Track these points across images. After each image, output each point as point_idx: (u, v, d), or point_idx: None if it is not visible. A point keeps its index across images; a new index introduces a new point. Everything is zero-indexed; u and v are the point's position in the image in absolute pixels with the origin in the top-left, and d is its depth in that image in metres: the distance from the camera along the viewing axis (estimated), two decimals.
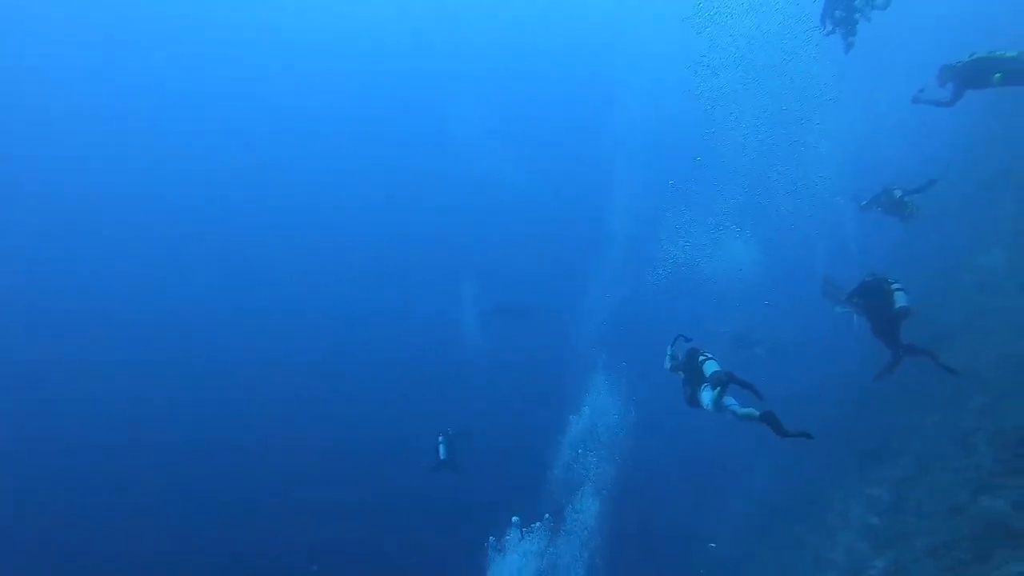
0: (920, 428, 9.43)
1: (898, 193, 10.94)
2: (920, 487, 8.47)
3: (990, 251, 10.23)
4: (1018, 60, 7.69)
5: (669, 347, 7.62)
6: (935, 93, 8.79)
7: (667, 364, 7.56)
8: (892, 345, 7.03)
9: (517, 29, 38.26)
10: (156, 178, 32.88)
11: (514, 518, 10.59)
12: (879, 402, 11.46)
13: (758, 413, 6.39)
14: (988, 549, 6.38)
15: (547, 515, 10.55)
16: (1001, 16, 15.46)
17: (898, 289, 6.95)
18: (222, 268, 30.61)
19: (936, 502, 7.82)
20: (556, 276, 25.25)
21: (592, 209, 26.87)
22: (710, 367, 6.87)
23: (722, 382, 6.56)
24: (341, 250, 32.14)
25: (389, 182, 35.54)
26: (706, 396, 6.75)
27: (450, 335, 24.42)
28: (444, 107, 34.56)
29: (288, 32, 37.28)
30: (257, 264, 31.11)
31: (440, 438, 11.99)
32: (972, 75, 8.09)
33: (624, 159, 26.46)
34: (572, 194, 31.85)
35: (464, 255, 28.25)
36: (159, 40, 33.87)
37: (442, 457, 11.80)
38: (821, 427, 13.21)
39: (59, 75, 32.70)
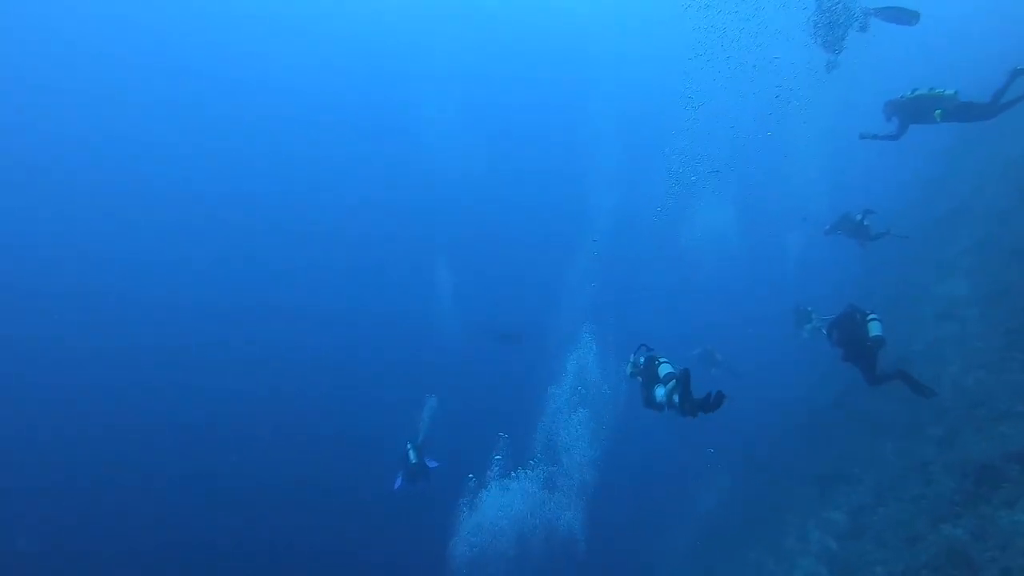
0: (879, 455, 9.44)
1: (858, 217, 11.19)
2: (879, 515, 8.43)
3: (951, 280, 10.39)
4: (955, 98, 8.03)
5: (632, 355, 7.94)
6: (882, 127, 9.07)
7: (628, 370, 7.89)
8: (866, 372, 7.01)
9: (492, 27, 38.70)
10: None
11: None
12: (837, 428, 11.51)
13: (678, 372, 6.95)
14: None
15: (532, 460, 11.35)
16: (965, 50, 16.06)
17: (873, 319, 6.96)
18: (201, 267, 30.29)
19: (895, 531, 7.77)
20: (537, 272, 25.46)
21: (572, 193, 27.21)
22: (664, 368, 7.26)
23: (675, 379, 6.99)
24: (317, 248, 32.08)
25: (365, 181, 35.67)
26: (659, 391, 7.13)
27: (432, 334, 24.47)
28: (418, 105, 34.74)
29: (263, 28, 36.89)
30: (238, 262, 30.90)
31: (408, 444, 11.66)
32: (914, 110, 8.46)
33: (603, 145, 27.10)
34: (551, 183, 32.41)
35: (443, 246, 28.18)
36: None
37: (413, 461, 11.38)
38: (778, 450, 13.34)
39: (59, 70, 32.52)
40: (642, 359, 7.76)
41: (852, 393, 11.47)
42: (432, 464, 11.62)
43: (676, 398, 6.83)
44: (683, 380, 6.76)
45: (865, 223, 11.09)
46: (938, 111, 8.08)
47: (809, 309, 11.91)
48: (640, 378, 7.66)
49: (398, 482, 11.51)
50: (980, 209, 11.19)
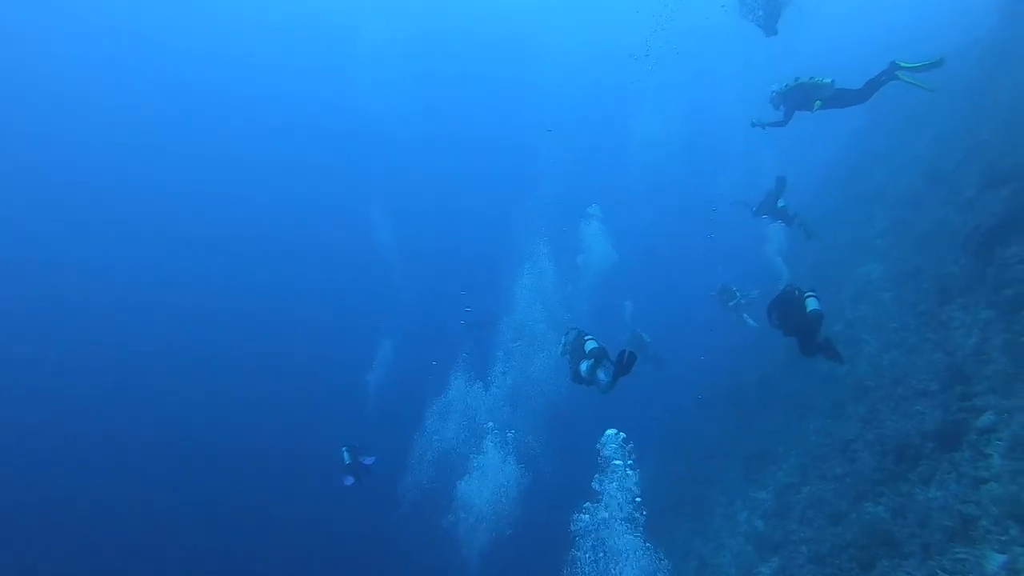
0: (802, 435, 9.66)
1: (776, 197, 11.44)
2: (803, 494, 8.60)
3: (868, 263, 10.72)
4: (833, 86, 8.36)
5: (563, 336, 8.23)
6: (770, 115, 9.33)
7: (559, 350, 8.21)
8: (805, 346, 7.12)
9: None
10: None
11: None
12: (762, 408, 11.76)
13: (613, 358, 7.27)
14: (871, 558, 6.44)
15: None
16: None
17: (810, 296, 7.04)
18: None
19: (818, 509, 7.93)
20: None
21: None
22: (590, 344, 7.63)
23: (598, 355, 7.43)
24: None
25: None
26: (583, 365, 7.52)
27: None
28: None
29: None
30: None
31: (343, 448, 12.48)
32: (797, 98, 8.76)
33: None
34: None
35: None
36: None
37: (347, 462, 12.26)
38: (704, 430, 13.54)
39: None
40: (571, 339, 7.98)
41: (777, 373, 11.75)
42: (368, 461, 12.37)
43: (600, 373, 7.27)
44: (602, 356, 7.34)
45: (782, 204, 11.33)
46: (818, 101, 8.40)
47: (734, 288, 12.24)
48: (568, 355, 7.98)
49: (348, 480, 12.25)
50: (894, 193, 11.61)
